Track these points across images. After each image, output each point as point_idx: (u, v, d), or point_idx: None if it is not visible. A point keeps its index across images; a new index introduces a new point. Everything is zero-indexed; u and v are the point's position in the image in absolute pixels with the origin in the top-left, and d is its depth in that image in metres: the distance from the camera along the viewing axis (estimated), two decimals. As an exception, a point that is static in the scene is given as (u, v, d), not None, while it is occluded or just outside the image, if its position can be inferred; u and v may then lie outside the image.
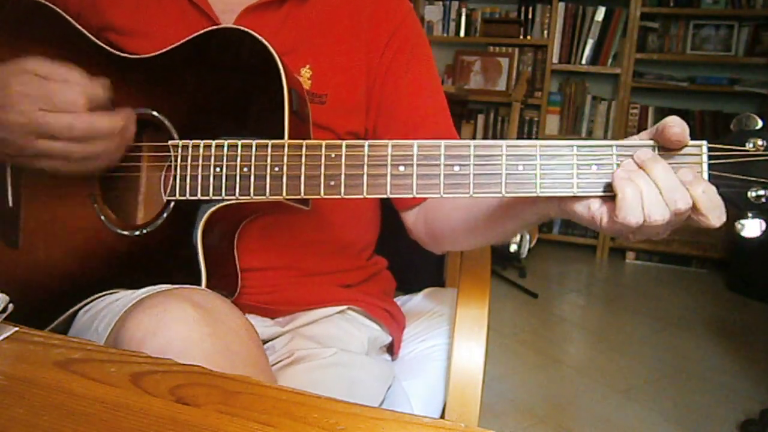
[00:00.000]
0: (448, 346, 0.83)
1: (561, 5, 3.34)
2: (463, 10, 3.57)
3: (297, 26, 0.76)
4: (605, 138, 3.34)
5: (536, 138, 3.41)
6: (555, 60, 3.40)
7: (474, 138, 3.56)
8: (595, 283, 3.13)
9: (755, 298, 2.82)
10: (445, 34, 3.64)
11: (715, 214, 0.49)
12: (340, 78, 0.77)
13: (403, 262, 0.95)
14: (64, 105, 0.59)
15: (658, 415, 1.83)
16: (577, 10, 3.36)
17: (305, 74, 0.75)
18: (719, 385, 2.03)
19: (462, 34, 3.61)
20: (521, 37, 3.45)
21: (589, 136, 3.43)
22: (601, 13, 3.30)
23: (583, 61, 3.37)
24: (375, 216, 0.90)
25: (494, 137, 3.58)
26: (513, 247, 2.77)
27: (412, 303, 0.96)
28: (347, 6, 0.79)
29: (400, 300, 0.96)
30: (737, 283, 2.92)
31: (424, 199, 0.79)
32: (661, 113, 3.34)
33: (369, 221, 0.89)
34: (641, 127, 3.33)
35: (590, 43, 3.34)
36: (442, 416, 0.78)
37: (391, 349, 0.88)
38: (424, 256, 0.90)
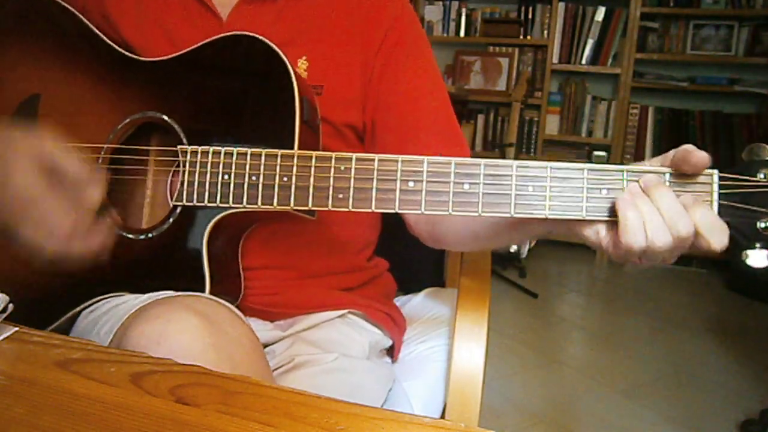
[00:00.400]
0: (449, 346, 0.83)
1: (561, 5, 3.34)
2: (463, 10, 3.57)
3: (293, 18, 0.77)
4: (605, 138, 3.36)
5: (536, 138, 3.44)
6: (555, 60, 3.39)
7: (474, 138, 3.57)
8: (595, 283, 3.13)
9: (755, 298, 2.81)
10: (445, 34, 3.64)
11: (715, 236, 0.50)
12: (336, 70, 0.77)
13: (403, 262, 0.95)
14: (48, 227, 0.59)
15: (658, 415, 1.83)
16: (577, 10, 3.36)
17: (301, 66, 0.75)
18: (719, 385, 2.03)
19: (462, 34, 3.61)
20: (521, 37, 3.45)
21: (589, 136, 3.43)
22: (601, 13, 3.30)
23: (583, 61, 3.37)
24: (376, 215, 0.90)
25: (494, 137, 3.58)
26: (513, 247, 2.77)
27: (412, 303, 0.96)
28: (343, 0, 0.79)
29: (399, 300, 0.96)
30: (737, 283, 2.92)
31: None
32: (661, 113, 3.34)
33: (370, 221, 0.89)
34: (641, 127, 3.34)
35: (590, 43, 3.34)
36: (443, 416, 0.78)
37: (391, 352, 0.88)
38: (424, 257, 0.90)
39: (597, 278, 3.18)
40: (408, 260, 0.95)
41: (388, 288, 0.92)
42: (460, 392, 0.75)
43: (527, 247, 2.91)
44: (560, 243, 3.45)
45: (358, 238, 0.86)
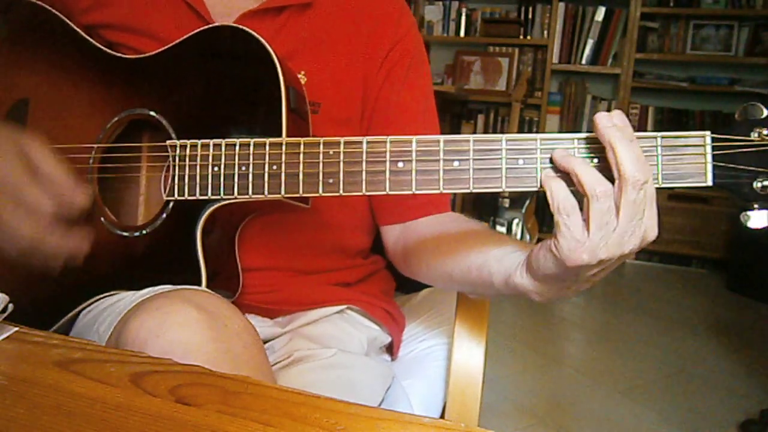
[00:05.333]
0: (448, 345, 0.83)
1: (561, 5, 3.34)
2: (463, 10, 3.58)
3: (295, 33, 0.76)
4: (605, 138, 3.36)
5: (536, 138, 3.44)
6: (555, 60, 3.40)
7: (474, 138, 3.58)
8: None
9: (755, 298, 2.82)
10: (445, 34, 3.64)
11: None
12: (335, 88, 0.77)
13: (403, 262, 0.95)
14: (29, 213, 0.59)
15: (658, 415, 1.83)
16: (577, 10, 3.36)
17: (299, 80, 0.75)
18: (719, 385, 2.03)
19: (462, 34, 3.61)
20: (521, 37, 3.46)
21: (589, 136, 3.43)
22: (601, 13, 3.31)
23: (583, 61, 3.37)
24: (373, 222, 0.90)
25: (494, 137, 3.58)
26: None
27: (411, 303, 0.96)
28: (348, 17, 0.78)
29: (399, 300, 0.96)
30: (737, 283, 2.92)
31: (408, 219, 0.79)
32: (661, 113, 3.34)
33: (368, 222, 0.89)
34: (641, 127, 3.34)
35: (590, 43, 3.34)
36: (442, 416, 0.78)
37: (391, 350, 0.88)
38: (424, 256, 0.90)
39: (597, 278, 3.18)
40: (408, 260, 0.95)
41: (387, 284, 0.93)
42: (460, 392, 0.75)
43: (527, 247, 2.90)
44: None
45: (356, 241, 0.87)
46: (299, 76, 0.75)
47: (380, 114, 0.79)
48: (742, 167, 0.50)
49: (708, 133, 0.51)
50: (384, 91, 0.79)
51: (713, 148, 0.51)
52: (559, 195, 0.50)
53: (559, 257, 0.50)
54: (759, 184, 0.50)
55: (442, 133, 0.86)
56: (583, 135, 0.53)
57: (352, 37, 0.78)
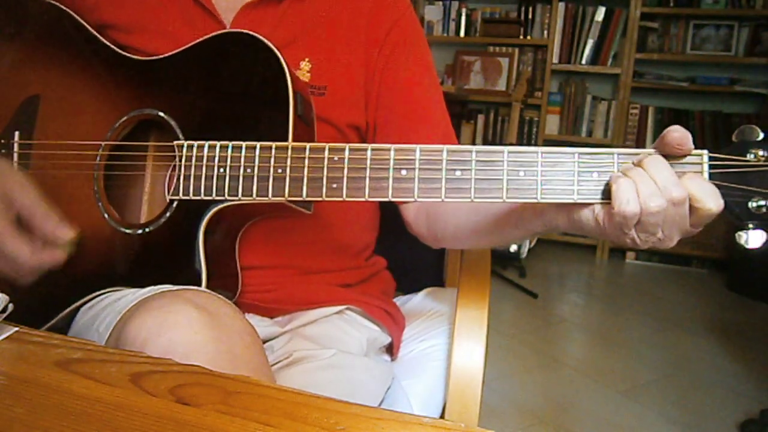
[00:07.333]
0: (448, 346, 0.83)
1: (561, 5, 3.34)
2: (463, 10, 3.57)
3: (296, 20, 0.77)
4: (605, 138, 3.36)
5: (536, 138, 3.44)
6: (555, 60, 3.40)
7: (474, 138, 3.58)
8: (595, 283, 3.13)
9: (755, 298, 2.82)
10: (445, 34, 3.64)
11: (710, 200, 0.49)
12: (339, 70, 0.78)
13: (402, 262, 0.95)
14: (9, 260, 0.62)
15: (658, 415, 1.84)
16: (577, 10, 3.36)
17: (304, 67, 0.76)
18: (719, 385, 2.03)
19: (462, 34, 3.61)
20: (521, 37, 3.46)
21: (589, 136, 3.43)
22: (601, 13, 3.30)
23: (583, 61, 3.37)
24: (374, 218, 0.90)
25: (494, 137, 3.58)
26: (513, 247, 2.77)
27: (411, 303, 0.97)
28: (346, 1, 0.80)
29: (399, 300, 0.96)
30: (737, 283, 2.92)
31: None
32: (661, 113, 3.34)
33: (368, 223, 0.89)
34: (641, 127, 3.34)
35: (590, 43, 3.34)
36: (442, 416, 0.78)
37: (391, 350, 0.88)
38: (423, 257, 0.90)
39: (597, 278, 3.18)
40: (408, 260, 0.95)
41: (387, 285, 0.93)
42: (459, 392, 0.75)
43: (527, 247, 2.91)
44: (560, 243, 3.45)
45: (356, 241, 0.87)
46: (304, 62, 0.76)
47: (387, 92, 0.80)
48: (738, 187, 0.52)
49: (705, 151, 0.53)
50: (389, 70, 0.80)
51: (710, 167, 0.52)
52: (630, 201, 0.50)
53: (601, 230, 0.53)
54: (754, 204, 0.52)
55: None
56: (585, 150, 0.54)
57: (351, 19, 0.79)
